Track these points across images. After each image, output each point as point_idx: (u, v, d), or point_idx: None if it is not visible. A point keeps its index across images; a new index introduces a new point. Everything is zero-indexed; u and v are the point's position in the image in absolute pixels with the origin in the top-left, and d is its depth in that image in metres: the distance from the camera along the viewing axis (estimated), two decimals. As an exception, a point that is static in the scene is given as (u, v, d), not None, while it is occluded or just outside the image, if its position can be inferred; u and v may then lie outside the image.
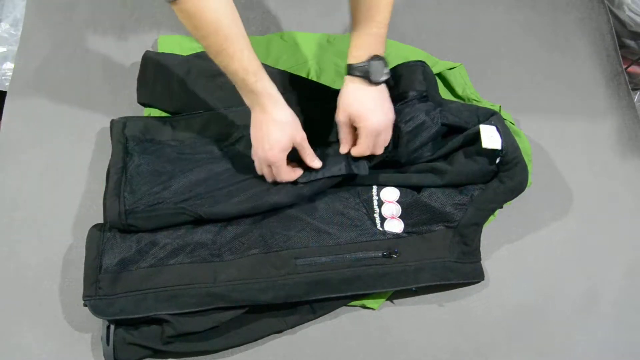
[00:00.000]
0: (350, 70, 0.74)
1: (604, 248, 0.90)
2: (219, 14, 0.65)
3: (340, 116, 0.76)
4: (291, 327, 0.79)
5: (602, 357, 0.83)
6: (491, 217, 0.88)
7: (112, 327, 0.73)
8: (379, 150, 0.78)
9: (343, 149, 0.79)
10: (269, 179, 0.78)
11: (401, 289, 0.80)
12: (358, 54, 0.74)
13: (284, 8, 1.06)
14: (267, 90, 0.71)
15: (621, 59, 1.07)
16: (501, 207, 0.89)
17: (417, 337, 0.81)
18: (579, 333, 0.84)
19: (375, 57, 0.74)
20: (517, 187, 0.81)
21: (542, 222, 0.91)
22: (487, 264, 0.86)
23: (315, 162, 0.77)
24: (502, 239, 0.89)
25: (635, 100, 1.06)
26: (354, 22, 0.75)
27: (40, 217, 0.84)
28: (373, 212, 0.81)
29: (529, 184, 0.89)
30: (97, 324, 0.77)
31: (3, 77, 1.07)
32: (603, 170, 0.96)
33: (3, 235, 0.82)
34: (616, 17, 1.20)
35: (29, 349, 0.76)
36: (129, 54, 0.87)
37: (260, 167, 0.77)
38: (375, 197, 0.82)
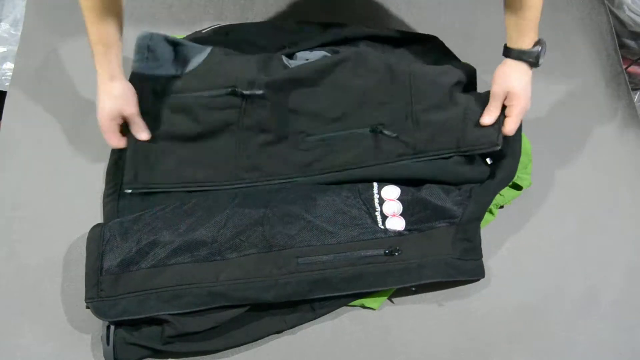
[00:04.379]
0: (519, 54, 0.79)
1: (604, 248, 0.90)
2: None
3: (498, 90, 0.81)
4: (291, 327, 0.79)
5: (602, 357, 0.83)
6: (491, 217, 0.88)
7: (112, 327, 0.73)
8: (510, 132, 0.82)
9: (488, 120, 0.82)
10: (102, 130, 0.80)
11: (401, 288, 0.80)
12: (524, 39, 0.79)
13: (284, 9, 1.06)
14: (111, 64, 0.76)
15: (621, 59, 1.07)
16: (501, 207, 0.89)
17: (417, 337, 0.81)
18: (579, 333, 0.84)
19: (541, 43, 0.79)
20: (508, 175, 0.85)
21: (542, 222, 0.91)
22: (487, 263, 0.86)
23: (141, 135, 0.81)
24: (502, 239, 0.89)
25: (635, 100, 1.06)
26: (509, 6, 0.79)
27: (40, 217, 0.84)
28: (374, 210, 0.81)
29: (529, 183, 0.89)
30: (97, 324, 0.77)
31: (3, 77, 1.07)
32: (603, 170, 0.96)
33: (3, 235, 0.82)
34: (616, 17, 1.20)
35: (29, 349, 0.76)
36: (129, 54, 0.87)
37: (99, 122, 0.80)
38: (376, 195, 0.82)
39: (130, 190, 0.82)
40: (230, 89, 0.83)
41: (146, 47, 0.83)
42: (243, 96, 0.83)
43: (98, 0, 0.72)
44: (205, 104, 0.84)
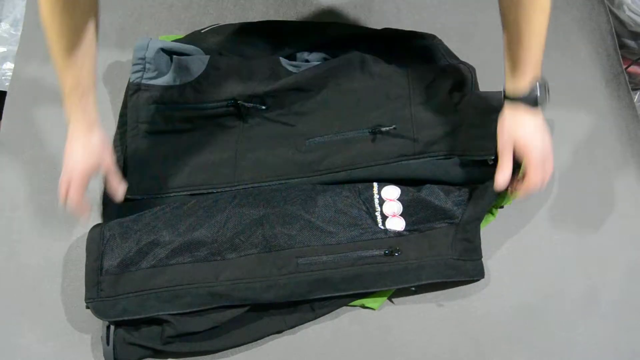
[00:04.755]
0: (517, 99, 0.72)
1: (604, 248, 0.90)
2: (79, 21, 0.63)
3: (503, 143, 0.74)
4: (291, 327, 0.79)
5: (602, 357, 0.83)
6: (491, 217, 0.88)
7: (112, 327, 0.73)
8: (547, 178, 0.75)
9: (502, 180, 0.75)
10: (61, 192, 0.71)
11: (401, 288, 0.80)
12: (519, 81, 0.72)
13: (284, 9, 1.06)
14: (87, 112, 0.69)
15: (621, 59, 1.07)
16: (501, 207, 0.89)
17: (417, 337, 0.81)
18: (579, 333, 0.84)
19: (540, 81, 0.72)
20: None
21: (542, 222, 0.91)
22: (487, 263, 0.86)
23: (118, 191, 0.76)
24: (502, 239, 0.89)
25: (635, 100, 1.06)
26: (509, 45, 0.72)
27: (40, 217, 0.84)
28: (374, 210, 0.81)
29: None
30: (97, 324, 0.77)
31: (3, 77, 1.07)
32: (603, 170, 0.96)
33: (3, 235, 0.82)
34: (616, 17, 1.19)
35: (29, 349, 0.76)
36: (129, 54, 0.87)
37: (62, 179, 0.71)
38: (376, 196, 0.82)
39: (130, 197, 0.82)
40: (231, 102, 0.84)
41: (143, 58, 0.83)
42: (245, 107, 0.84)
43: (71, 42, 0.64)
44: (205, 115, 0.84)
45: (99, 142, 0.70)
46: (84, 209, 0.72)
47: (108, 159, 0.73)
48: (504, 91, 0.75)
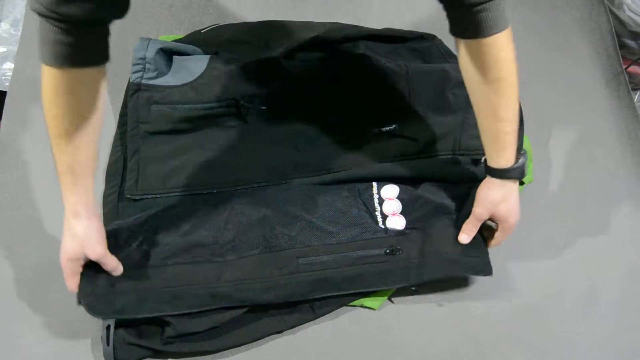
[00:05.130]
0: (503, 173, 0.72)
1: (604, 248, 0.90)
2: (84, 102, 0.61)
3: (482, 212, 0.75)
4: (291, 327, 0.78)
5: (602, 357, 0.83)
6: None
7: (112, 327, 0.73)
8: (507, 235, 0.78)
9: (466, 239, 0.78)
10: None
11: (401, 288, 0.80)
12: (505, 156, 0.71)
13: (285, 9, 1.06)
14: (77, 197, 0.66)
15: (621, 59, 1.07)
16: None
17: (417, 337, 0.81)
18: (579, 333, 0.84)
19: (522, 154, 0.72)
20: None
21: (542, 222, 0.91)
22: (487, 264, 0.86)
23: (115, 273, 0.72)
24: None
25: (635, 100, 1.06)
26: (482, 120, 0.71)
27: (40, 217, 0.84)
28: (374, 210, 0.81)
29: (530, 179, 0.89)
30: (97, 324, 0.77)
31: (3, 77, 1.07)
32: (603, 170, 0.96)
33: (3, 235, 0.82)
34: (616, 17, 1.20)
35: (29, 349, 0.76)
36: (129, 54, 0.87)
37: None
38: (375, 195, 0.82)
39: (130, 196, 0.82)
40: (231, 102, 0.84)
41: (143, 58, 0.83)
42: (245, 107, 0.84)
43: (70, 125, 0.61)
44: (205, 115, 0.84)
45: (82, 231, 0.66)
46: (73, 286, 0.71)
47: (96, 249, 0.68)
48: (486, 166, 0.74)
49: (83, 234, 0.67)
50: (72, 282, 0.70)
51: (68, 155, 0.63)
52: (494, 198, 0.74)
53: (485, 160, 0.74)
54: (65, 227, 0.67)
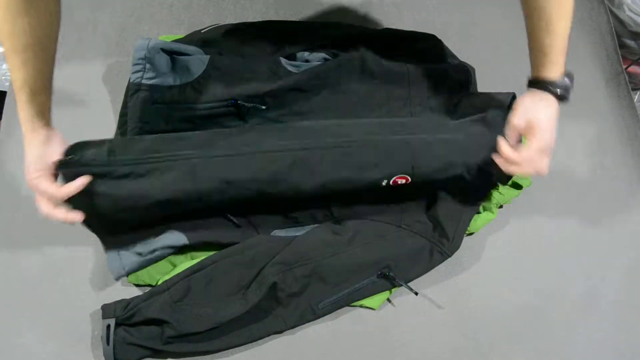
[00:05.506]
0: (547, 85, 0.70)
1: (604, 248, 0.90)
2: (33, 22, 0.60)
3: (519, 121, 0.72)
4: (291, 328, 0.79)
5: (602, 357, 0.83)
6: (491, 216, 0.88)
7: (112, 327, 0.73)
8: (542, 172, 0.73)
9: (506, 150, 0.72)
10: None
11: (401, 289, 0.80)
12: (552, 69, 0.70)
13: (285, 9, 1.06)
14: (33, 111, 0.66)
15: (621, 59, 1.07)
16: (501, 207, 0.89)
17: (417, 337, 0.81)
18: (579, 333, 0.84)
19: (570, 75, 0.71)
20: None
21: (542, 222, 0.91)
22: (487, 263, 0.86)
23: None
24: (502, 239, 0.89)
25: (635, 100, 1.06)
26: (534, 32, 0.69)
27: (40, 217, 0.84)
28: None
29: (529, 183, 0.89)
30: (97, 324, 0.77)
31: (3, 77, 1.07)
32: (603, 170, 0.96)
33: (3, 235, 0.82)
34: (616, 17, 1.19)
35: (29, 349, 0.76)
36: (129, 54, 0.87)
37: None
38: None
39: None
40: (231, 102, 0.84)
41: (143, 58, 0.83)
42: (245, 107, 0.84)
43: (24, 43, 0.61)
44: (205, 115, 0.84)
45: (42, 141, 0.67)
46: (53, 213, 0.69)
47: (56, 154, 0.68)
48: (531, 81, 0.72)
49: (43, 143, 0.67)
50: (41, 200, 0.68)
51: (23, 72, 0.63)
52: (529, 105, 0.71)
53: (530, 77, 0.72)
54: (25, 145, 0.67)
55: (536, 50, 0.70)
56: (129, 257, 0.78)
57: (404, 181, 0.77)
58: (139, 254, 0.78)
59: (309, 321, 0.79)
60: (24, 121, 0.67)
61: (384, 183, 0.77)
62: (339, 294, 0.78)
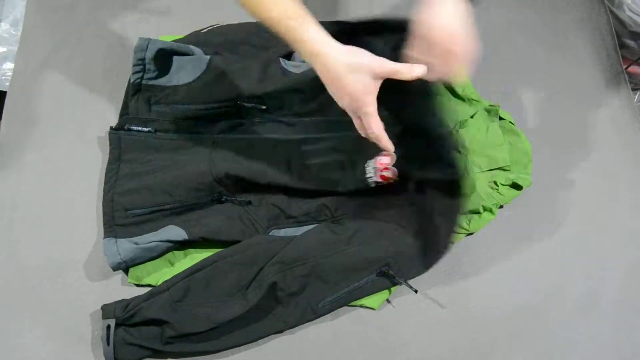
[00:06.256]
0: None
1: (604, 248, 0.90)
2: None
3: (428, 32, 0.62)
4: (291, 327, 0.79)
5: (602, 357, 0.83)
6: (491, 217, 0.88)
7: (112, 327, 0.73)
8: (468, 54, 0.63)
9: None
10: (361, 132, 0.66)
11: (402, 288, 0.80)
12: None
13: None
14: (313, 34, 0.59)
15: (621, 59, 1.07)
16: (501, 207, 0.89)
17: (417, 337, 0.81)
18: (579, 333, 0.84)
19: None
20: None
21: (542, 222, 0.91)
22: (487, 263, 0.86)
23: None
24: (502, 239, 0.89)
25: (635, 100, 1.06)
26: None
27: (40, 217, 0.84)
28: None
29: (529, 183, 0.89)
30: (98, 324, 0.77)
31: (3, 77, 1.07)
32: (603, 170, 0.96)
33: (3, 235, 0.82)
34: (616, 17, 1.19)
35: (29, 349, 0.76)
36: (129, 54, 0.87)
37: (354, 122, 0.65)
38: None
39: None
40: (230, 102, 0.84)
41: (143, 58, 0.83)
42: (244, 108, 0.84)
43: None
44: (205, 115, 0.84)
45: (351, 52, 0.59)
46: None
47: (378, 60, 0.59)
48: None
49: (354, 57, 0.59)
50: (373, 118, 0.60)
51: (274, 10, 0.59)
52: (441, 10, 0.61)
53: None
54: (330, 72, 0.58)
55: None
56: (125, 244, 0.77)
57: (390, 174, 0.77)
58: (136, 243, 0.78)
59: (309, 320, 0.79)
60: (317, 46, 0.59)
61: (371, 182, 0.78)
62: (338, 293, 0.78)
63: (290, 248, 0.79)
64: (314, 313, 0.79)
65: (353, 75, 0.59)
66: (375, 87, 0.61)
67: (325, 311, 0.79)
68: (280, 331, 0.78)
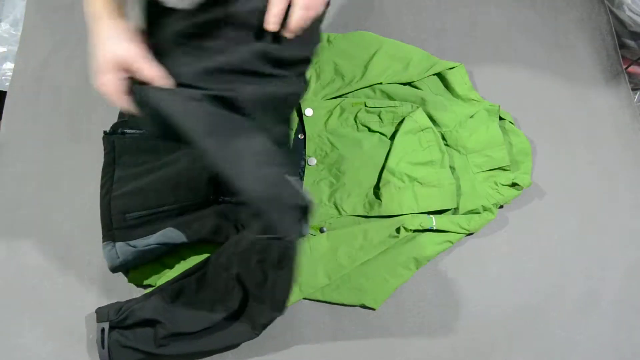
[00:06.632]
0: None
1: (604, 248, 0.90)
2: None
3: None
4: (271, 319, 0.73)
5: (602, 357, 0.83)
6: (491, 217, 0.88)
7: (106, 330, 0.73)
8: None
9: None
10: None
11: (403, 288, 0.80)
12: None
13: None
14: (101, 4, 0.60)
15: (621, 59, 1.07)
16: (501, 207, 0.89)
17: (417, 337, 0.81)
18: (579, 333, 0.84)
19: None
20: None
21: (542, 222, 0.91)
22: (487, 263, 0.86)
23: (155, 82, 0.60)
24: (502, 239, 0.89)
25: (635, 100, 1.06)
26: None
27: (40, 217, 0.84)
28: None
29: (529, 183, 0.89)
30: (93, 327, 0.77)
31: (3, 77, 1.07)
32: (603, 170, 0.96)
33: (3, 235, 0.82)
34: (616, 17, 1.19)
35: (29, 349, 0.76)
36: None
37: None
38: None
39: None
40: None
41: None
42: None
43: None
44: None
45: (109, 31, 0.59)
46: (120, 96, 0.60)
47: (130, 45, 0.59)
48: None
49: (112, 34, 0.59)
50: (118, 97, 0.59)
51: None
52: None
53: None
54: (95, 42, 0.59)
55: None
56: (123, 247, 0.78)
57: None
58: (134, 246, 0.78)
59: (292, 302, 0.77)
60: (89, 16, 0.59)
61: None
62: None
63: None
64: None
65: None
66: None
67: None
68: (271, 320, 0.74)
